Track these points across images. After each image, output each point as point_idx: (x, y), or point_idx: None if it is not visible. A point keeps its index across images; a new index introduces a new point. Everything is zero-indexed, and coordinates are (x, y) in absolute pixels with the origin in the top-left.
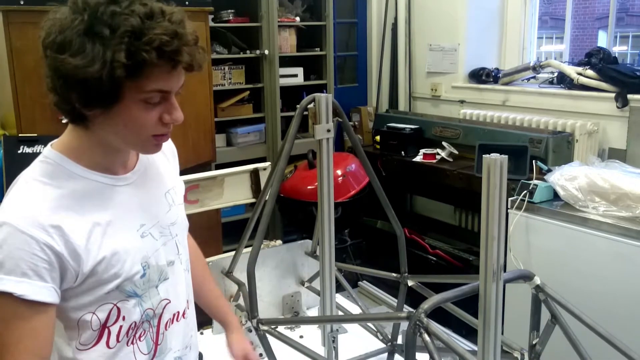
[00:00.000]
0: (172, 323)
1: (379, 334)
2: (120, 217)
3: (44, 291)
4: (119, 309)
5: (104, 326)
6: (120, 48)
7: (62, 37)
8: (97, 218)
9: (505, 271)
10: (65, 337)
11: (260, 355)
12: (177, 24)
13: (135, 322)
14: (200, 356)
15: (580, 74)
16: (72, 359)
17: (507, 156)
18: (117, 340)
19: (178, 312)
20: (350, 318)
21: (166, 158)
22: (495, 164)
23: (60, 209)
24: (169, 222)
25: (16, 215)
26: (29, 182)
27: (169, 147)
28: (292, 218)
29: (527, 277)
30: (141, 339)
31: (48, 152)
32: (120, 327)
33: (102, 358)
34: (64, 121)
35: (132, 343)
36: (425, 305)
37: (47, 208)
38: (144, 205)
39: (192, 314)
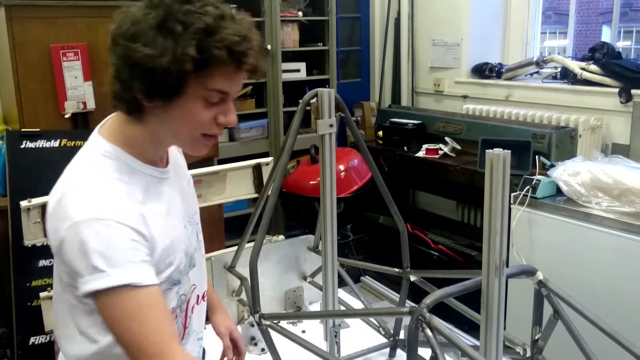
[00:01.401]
0: (196, 306)
1: (381, 329)
2: (171, 208)
3: (153, 275)
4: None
5: None
6: (190, 43)
7: (135, 29)
8: (158, 209)
9: (507, 266)
10: (104, 328)
11: (263, 350)
12: (247, 29)
13: (173, 308)
14: (203, 351)
15: (583, 69)
16: (115, 352)
17: (510, 151)
18: None
19: (199, 295)
20: (352, 313)
21: (178, 150)
22: (498, 158)
23: (136, 201)
24: (194, 211)
25: (110, 210)
26: (103, 178)
27: None
28: (295, 213)
29: (529, 272)
30: (174, 323)
31: (107, 146)
32: None
33: None
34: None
35: None
36: (428, 300)
37: (130, 199)
38: (181, 196)
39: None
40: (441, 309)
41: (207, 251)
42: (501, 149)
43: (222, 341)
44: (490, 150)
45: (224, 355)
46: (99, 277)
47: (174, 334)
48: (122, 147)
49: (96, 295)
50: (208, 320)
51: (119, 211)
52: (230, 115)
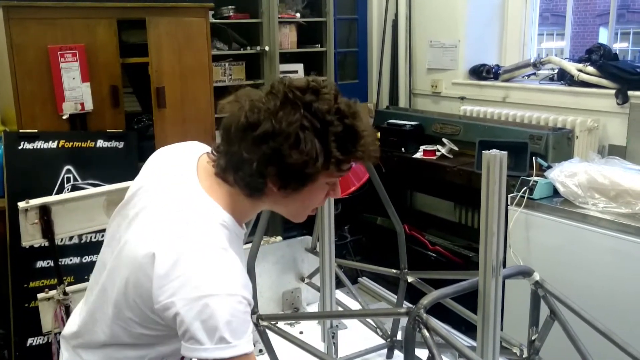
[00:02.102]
0: None
1: (378, 330)
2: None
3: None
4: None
5: None
6: (334, 145)
7: (278, 129)
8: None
9: (504, 267)
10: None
11: (260, 351)
12: (368, 124)
13: None
14: None
15: (580, 70)
16: None
17: (506, 152)
18: None
19: None
20: (350, 314)
21: None
22: (495, 159)
23: (243, 271)
24: None
25: (239, 286)
26: (224, 249)
27: None
28: None
29: (526, 273)
30: None
31: (223, 215)
32: None
33: None
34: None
35: None
36: (425, 301)
37: (244, 273)
38: None
39: None
40: (438, 310)
41: None
42: (498, 150)
43: None
44: (487, 151)
45: None
46: (225, 347)
47: None
48: (233, 215)
49: None
50: None
51: (245, 287)
52: (338, 189)
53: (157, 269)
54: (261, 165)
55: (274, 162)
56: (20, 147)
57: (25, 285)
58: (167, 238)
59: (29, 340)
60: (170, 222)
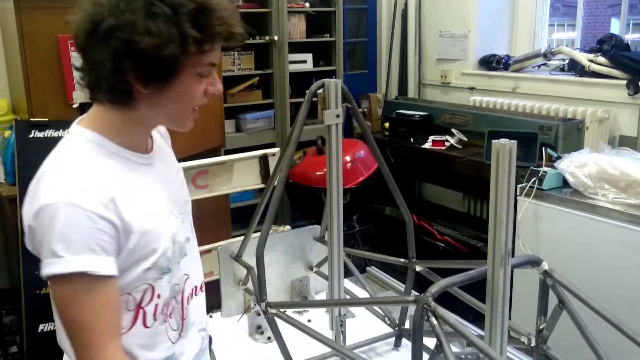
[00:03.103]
0: (192, 297)
1: (386, 319)
2: (152, 194)
3: (112, 265)
4: (153, 288)
5: (138, 306)
6: (187, 25)
7: (123, 20)
8: (136, 195)
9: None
10: None
11: (269, 338)
12: (228, 3)
13: (167, 299)
14: (210, 339)
15: (591, 60)
16: None
17: (515, 141)
18: (154, 319)
19: (196, 287)
20: (358, 301)
21: (164, 140)
22: (504, 149)
23: (110, 186)
24: (184, 200)
25: (75, 194)
26: (76, 161)
27: (163, 128)
28: (301, 204)
29: (535, 262)
30: (171, 315)
31: (82, 131)
32: (156, 305)
33: (141, 339)
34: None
35: (165, 321)
36: (433, 289)
37: (102, 184)
38: (166, 184)
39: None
40: (446, 300)
41: (213, 241)
42: (507, 140)
43: None
44: (497, 140)
45: None
46: (57, 262)
47: (115, 331)
48: (101, 132)
49: (51, 278)
50: (210, 311)
51: (86, 197)
52: (218, 84)
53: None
54: (115, 62)
55: (126, 54)
56: (31, 136)
57: (37, 272)
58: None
59: (40, 327)
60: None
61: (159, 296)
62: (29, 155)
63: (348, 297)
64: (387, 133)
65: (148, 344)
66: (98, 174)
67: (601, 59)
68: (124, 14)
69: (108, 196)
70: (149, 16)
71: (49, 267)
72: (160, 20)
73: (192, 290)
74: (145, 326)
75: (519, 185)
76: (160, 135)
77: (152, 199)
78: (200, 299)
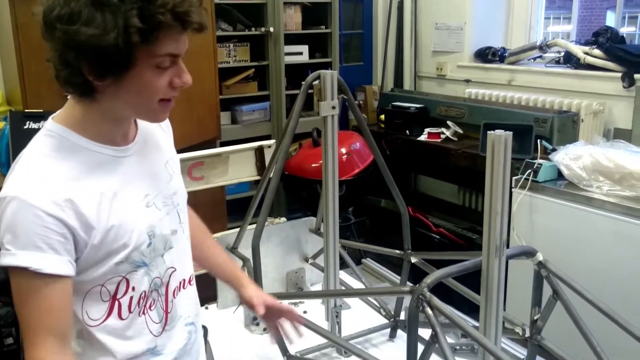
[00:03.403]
0: (180, 291)
1: (382, 310)
2: (125, 187)
3: (59, 264)
4: (127, 281)
5: (113, 298)
6: (132, 13)
7: (68, 9)
8: (104, 189)
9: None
10: (76, 315)
11: (265, 329)
12: None
13: (145, 292)
14: (206, 330)
15: (587, 53)
16: (87, 337)
17: (511, 132)
18: (129, 311)
19: (184, 280)
20: (353, 292)
21: (162, 129)
22: (499, 139)
23: (69, 181)
24: (171, 191)
25: (27, 190)
26: (35, 156)
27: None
28: (297, 196)
29: (529, 253)
30: (152, 308)
31: (51, 126)
32: (131, 297)
33: (117, 331)
34: (69, 97)
35: (144, 313)
36: (429, 279)
37: (57, 181)
38: (147, 175)
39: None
40: (441, 292)
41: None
42: (503, 131)
43: (252, 302)
44: (492, 131)
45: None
46: (6, 254)
47: (51, 332)
48: (68, 126)
49: (7, 269)
50: (205, 302)
51: (37, 194)
52: (184, 75)
53: None
54: (62, 54)
55: (69, 45)
56: (25, 127)
57: None
58: None
59: None
60: None
61: (133, 289)
62: (24, 146)
63: (344, 288)
64: (382, 125)
65: (124, 336)
66: (57, 171)
67: (596, 52)
68: (69, 3)
69: (64, 195)
70: (95, 5)
71: (1, 258)
72: (107, 10)
73: (180, 283)
74: (121, 318)
75: (514, 178)
76: (157, 125)
77: (124, 192)
78: (189, 292)
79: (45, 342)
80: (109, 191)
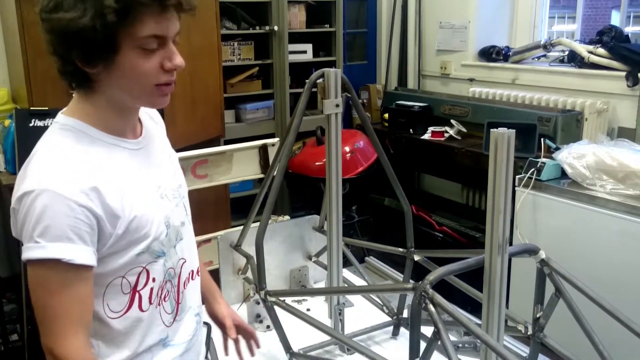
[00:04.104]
0: (189, 282)
1: (384, 308)
2: (142, 179)
3: (88, 255)
4: (148, 272)
5: (134, 290)
6: None
7: (54, 1)
8: (124, 180)
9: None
10: (95, 308)
11: (268, 327)
12: None
13: (162, 283)
14: (209, 328)
15: (591, 52)
16: (109, 329)
17: (514, 130)
18: (150, 302)
19: (192, 271)
20: (356, 289)
21: (157, 125)
22: (502, 137)
23: (93, 171)
24: (177, 184)
25: (56, 182)
26: (58, 149)
27: (156, 115)
28: (300, 194)
29: (532, 251)
30: (166, 299)
31: (65, 120)
32: (151, 289)
33: (136, 322)
34: (75, 93)
35: (159, 304)
36: (431, 276)
37: (83, 171)
38: (157, 168)
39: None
40: (444, 291)
41: (212, 230)
42: (506, 129)
43: (225, 323)
44: (495, 129)
45: (226, 339)
46: (35, 247)
47: (78, 323)
48: (82, 119)
49: (28, 263)
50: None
51: (66, 185)
52: (175, 57)
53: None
54: (53, 43)
55: (56, 33)
56: (31, 125)
57: None
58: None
59: None
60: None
61: (153, 280)
62: (30, 144)
63: (346, 286)
64: (386, 124)
65: (141, 327)
66: (81, 162)
67: (601, 51)
68: None
69: (90, 184)
70: None
71: (26, 252)
72: None
73: (189, 274)
74: (141, 309)
75: (517, 176)
76: (153, 121)
77: (141, 184)
78: (196, 283)
79: (77, 333)
80: (128, 182)
